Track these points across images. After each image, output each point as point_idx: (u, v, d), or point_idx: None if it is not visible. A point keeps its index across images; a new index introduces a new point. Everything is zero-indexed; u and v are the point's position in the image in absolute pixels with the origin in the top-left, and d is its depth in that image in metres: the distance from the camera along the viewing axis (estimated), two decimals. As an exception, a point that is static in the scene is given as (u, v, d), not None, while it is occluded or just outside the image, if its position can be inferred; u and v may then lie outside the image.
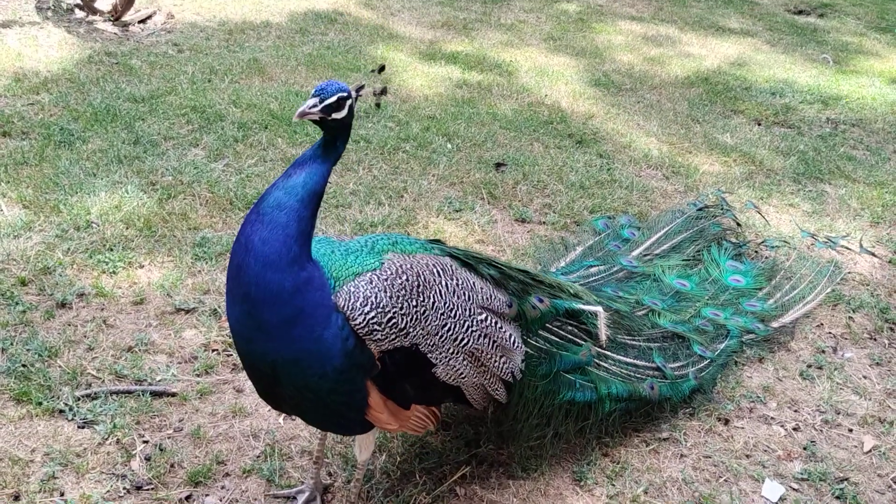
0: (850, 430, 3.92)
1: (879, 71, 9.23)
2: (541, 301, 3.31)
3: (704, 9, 11.36)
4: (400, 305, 2.74)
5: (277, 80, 7.15)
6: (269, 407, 3.56)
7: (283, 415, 3.62)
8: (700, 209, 5.01)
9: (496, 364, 3.05)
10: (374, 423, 2.87)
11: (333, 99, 2.60)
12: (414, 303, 2.78)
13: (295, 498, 3.23)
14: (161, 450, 3.39)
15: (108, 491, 3.19)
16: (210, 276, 4.43)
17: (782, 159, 6.68)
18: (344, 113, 2.63)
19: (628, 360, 3.66)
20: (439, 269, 2.92)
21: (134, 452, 3.38)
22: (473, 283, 3.01)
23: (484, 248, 5.03)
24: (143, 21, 8.25)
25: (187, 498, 3.20)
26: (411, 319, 2.76)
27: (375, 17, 9.36)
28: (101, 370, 3.78)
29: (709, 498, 3.45)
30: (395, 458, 3.49)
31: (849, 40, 10.46)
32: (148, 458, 3.35)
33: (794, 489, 3.55)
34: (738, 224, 5.21)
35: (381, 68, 2.94)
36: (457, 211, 5.38)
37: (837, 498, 3.52)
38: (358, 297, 2.67)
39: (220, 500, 3.21)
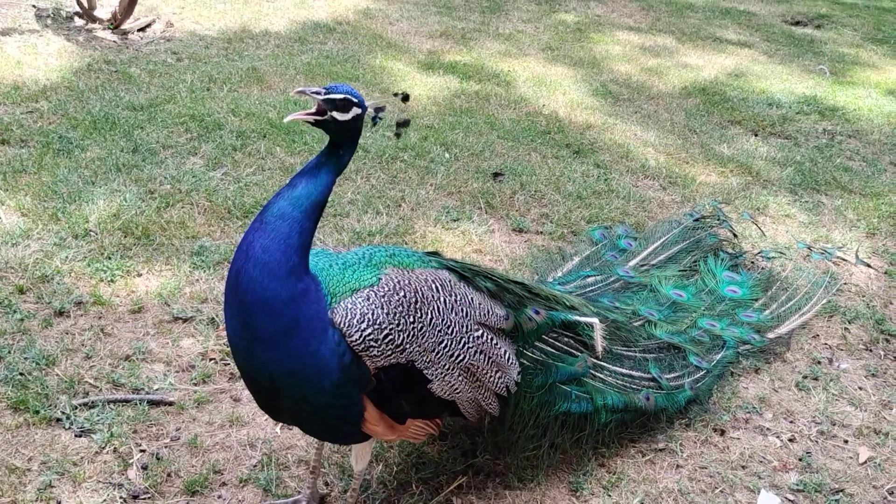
0: (846, 442, 3.93)
1: (876, 82, 9.27)
2: (537, 313, 3.32)
3: (702, 19, 11.41)
4: (397, 322, 2.75)
5: (276, 89, 7.18)
6: (267, 416, 3.60)
7: (280, 424, 3.63)
8: (697, 219, 5.03)
9: (491, 379, 3.06)
10: (371, 434, 2.88)
11: (339, 96, 2.60)
12: (411, 319, 2.78)
13: (291, 508, 3.24)
14: (158, 459, 3.40)
15: (105, 500, 3.19)
16: (208, 285, 4.44)
17: (779, 170, 6.71)
18: (347, 117, 2.62)
19: (624, 370, 3.67)
20: (438, 284, 2.93)
21: (131, 461, 3.38)
22: (471, 298, 3.01)
23: (481, 257, 5.04)
24: (142, 29, 8.28)
25: (184, 507, 3.21)
26: (408, 336, 2.77)
27: (374, 27, 9.40)
28: (99, 379, 3.78)
29: (704, 509, 3.46)
30: (391, 468, 3.49)
31: (845, 51, 10.52)
32: (145, 467, 3.35)
33: (789, 500, 3.55)
34: (735, 235, 5.22)
35: (406, 97, 2.92)
36: (454, 220, 5.39)
37: (833, 509, 3.53)
38: (355, 314, 2.68)
39: (217, 510, 3.22)
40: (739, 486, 3.60)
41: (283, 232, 2.55)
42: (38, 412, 3.54)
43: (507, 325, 3.16)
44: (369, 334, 2.69)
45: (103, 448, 3.43)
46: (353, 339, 2.67)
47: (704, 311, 4.32)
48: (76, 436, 3.47)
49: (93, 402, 3.63)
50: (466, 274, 3.13)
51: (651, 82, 8.63)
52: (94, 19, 8.14)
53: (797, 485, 3.63)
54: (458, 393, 2.97)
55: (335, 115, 2.61)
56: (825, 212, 6.10)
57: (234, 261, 2.63)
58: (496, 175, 6.07)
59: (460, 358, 2.92)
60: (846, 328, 4.75)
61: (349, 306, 2.69)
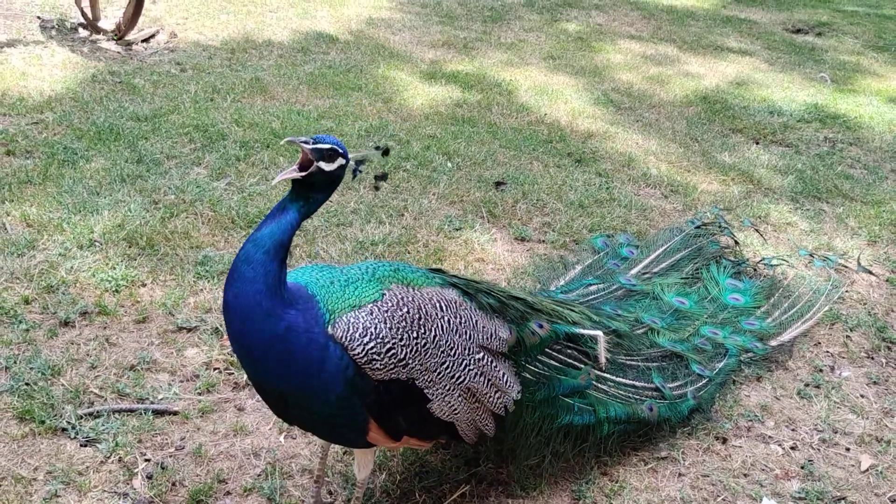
0: (848, 449, 3.94)
1: (877, 90, 9.30)
2: (541, 327, 3.33)
3: (703, 28, 11.45)
4: (399, 337, 2.78)
5: (279, 100, 7.22)
6: (271, 426, 3.63)
7: (284, 434, 3.66)
8: (698, 227, 5.05)
9: (490, 399, 3.07)
10: (374, 443, 2.91)
11: (327, 146, 2.67)
12: (414, 335, 2.81)
13: (295, 516, 3.25)
14: (163, 468, 3.42)
15: (110, 509, 3.22)
16: (212, 295, 4.47)
17: (780, 178, 6.73)
18: (333, 167, 2.70)
19: (627, 381, 3.68)
20: (443, 304, 2.95)
21: (136, 471, 3.40)
22: (475, 321, 3.03)
23: (484, 266, 5.07)
24: (146, 40, 8.33)
25: (188, 516, 3.23)
26: (411, 351, 2.80)
27: (376, 37, 9.45)
28: (104, 388, 3.81)
29: (707, 517, 3.47)
30: (394, 477, 3.51)
31: (847, 59, 10.55)
32: (150, 477, 3.37)
33: (791, 508, 3.57)
34: (737, 242, 5.24)
35: (386, 151, 2.99)
36: (457, 230, 5.42)
37: (835, 517, 3.54)
38: (357, 328, 2.72)
39: (221, 519, 3.24)
40: (741, 494, 3.61)
41: (249, 277, 2.61)
42: (43, 422, 3.56)
43: (511, 339, 3.17)
44: (372, 348, 2.73)
45: (108, 457, 3.45)
46: (356, 352, 2.71)
47: (707, 318, 4.33)
48: (81, 445, 3.49)
49: (98, 412, 3.65)
50: (469, 290, 3.15)
51: (652, 91, 8.66)
52: (98, 30, 8.19)
53: (799, 493, 3.64)
54: (456, 414, 2.99)
55: (321, 164, 2.67)
56: (826, 220, 6.12)
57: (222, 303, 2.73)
58: (498, 184, 6.10)
59: (461, 379, 2.95)
60: (848, 336, 4.76)
61: (351, 321, 2.73)
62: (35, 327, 4.12)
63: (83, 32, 8.24)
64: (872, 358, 4.62)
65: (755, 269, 5.09)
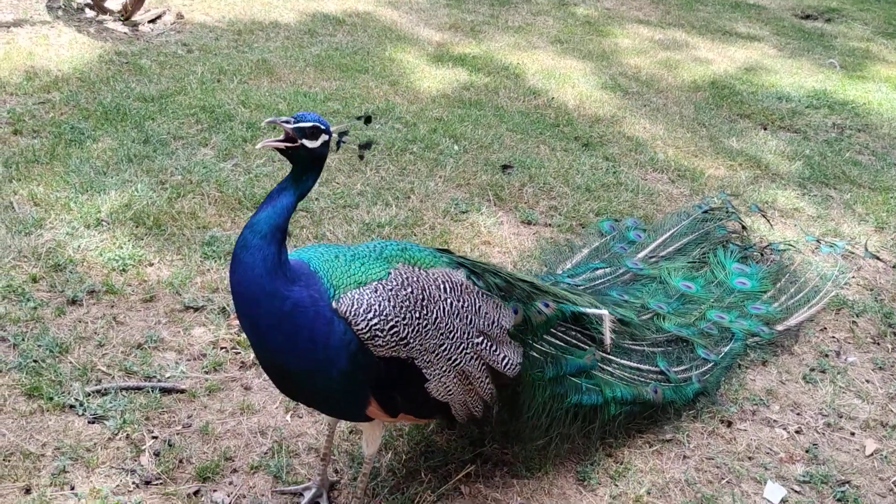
0: (853, 434, 3.94)
1: (886, 76, 9.25)
2: (547, 306, 3.34)
3: (712, 13, 11.38)
4: (402, 316, 2.80)
5: (286, 81, 7.20)
6: (278, 405, 3.65)
7: (290, 413, 3.67)
8: (706, 211, 5.04)
9: (482, 385, 3.09)
10: (374, 417, 2.94)
11: (308, 124, 2.68)
12: (417, 315, 2.84)
13: (302, 494, 3.27)
14: (170, 445, 3.44)
15: (118, 485, 3.23)
16: (219, 275, 4.48)
17: (788, 164, 6.71)
18: (316, 144, 2.70)
19: (632, 364, 3.70)
20: (448, 286, 2.96)
21: (143, 448, 3.42)
22: (479, 307, 3.04)
23: (490, 249, 5.06)
24: (152, 21, 8.31)
25: (195, 493, 3.25)
26: (413, 331, 2.82)
27: (383, 19, 9.41)
28: (111, 366, 3.82)
29: (711, 499, 3.48)
30: (400, 457, 3.53)
31: (856, 45, 10.48)
32: (157, 454, 3.39)
33: (795, 491, 3.58)
34: (744, 227, 5.23)
35: (368, 119, 2.99)
36: (463, 212, 5.41)
37: (839, 501, 3.54)
38: (362, 304, 2.75)
39: (228, 496, 3.25)
40: (746, 477, 3.62)
41: (248, 262, 2.64)
42: (51, 399, 3.58)
43: (517, 318, 3.19)
44: (375, 324, 2.75)
45: (116, 434, 3.47)
46: (360, 328, 2.73)
47: (713, 303, 4.33)
48: (89, 422, 3.51)
49: (105, 390, 3.67)
50: (477, 270, 3.16)
51: (660, 75, 8.62)
52: (104, 10, 8.17)
53: (803, 476, 3.65)
54: (450, 395, 3.01)
55: (305, 142, 2.69)
56: (834, 206, 6.10)
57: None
58: (505, 167, 6.08)
59: (457, 362, 2.97)
60: (854, 321, 4.76)
61: (356, 297, 2.75)
62: (43, 305, 4.14)
63: (90, 13, 8.21)
64: (878, 343, 4.62)
65: (762, 254, 5.08)
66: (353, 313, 2.73)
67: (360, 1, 9.95)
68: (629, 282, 4.38)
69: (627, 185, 6.00)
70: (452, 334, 2.94)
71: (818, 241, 5.38)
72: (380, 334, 2.75)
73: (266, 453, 3.47)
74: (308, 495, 3.25)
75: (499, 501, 3.38)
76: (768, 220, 5.62)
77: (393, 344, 2.79)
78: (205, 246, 4.70)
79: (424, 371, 2.89)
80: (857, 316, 4.80)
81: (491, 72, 8.10)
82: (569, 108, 7.38)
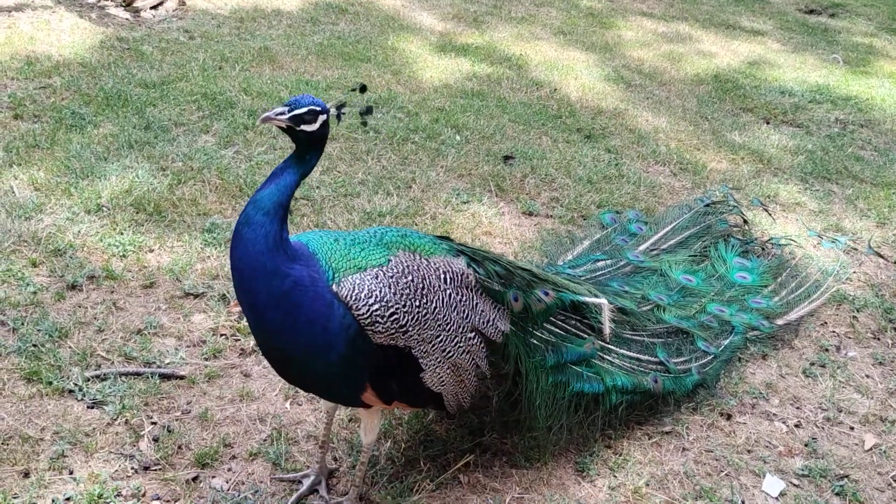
0: (852, 428, 3.94)
1: (889, 72, 9.22)
2: (546, 294, 3.34)
3: (715, 6, 11.34)
4: (403, 303, 2.80)
5: (288, 69, 7.18)
6: (277, 392, 3.65)
7: (290, 400, 3.67)
8: (707, 205, 5.04)
9: (471, 380, 3.09)
10: (369, 403, 2.94)
11: (304, 110, 2.67)
12: (416, 304, 2.84)
13: (300, 482, 3.27)
14: (169, 431, 3.43)
15: (117, 470, 3.23)
16: (219, 262, 4.47)
17: (790, 158, 6.69)
18: (315, 127, 2.69)
19: (632, 354, 3.69)
20: (448, 276, 2.96)
21: (142, 433, 3.41)
22: (476, 303, 3.04)
23: (491, 240, 5.05)
24: (154, 7, 8.27)
25: (194, 479, 3.24)
26: (412, 319, 2.82)
27: (386, 8, 9.37)
28: (111, 352, 3.82)
29: (709, 491, 3.48)
30: (399, 445, 3.52)
31: (860, 41, 10.45)
32: (156, 439, 3.39)
33: (794, 485, 3.58)
34: (745, 221, 5.22)
35: (363, 88, 2.99)
36: (464, 203, 5.40)
37: (837, 495, 3.54)
38: (363, 289, 2.74)
39: (227, 482, 3.25)
40: (745, 470, 3.62)
41: (250, 238, 2.64)
42: (51, 383, 3.58)
43: (517, 305, 3.19)
44: (376, 310, 2.74)
45: (115, 420, 3.46)
46: (361, 312, 2.73)
47: (714, 296, 4.33)
48: (88, 407, 3.51)
49: (105, 375, 3.66)
50: (477, 258, 3.15)
51: (663, 68, 8.60)
52: (106, -4, 8.14)
53: (802, 470, 3.65)
54: (443, 386, 3.02)
55: (304, 127, 2.68)
56: (836, 201, 6.09)
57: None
58: (507, 158, 6.07)
59: (451, 355, 2.97)
60: (854, 316, 4.75)
61: (357, 282, 2.75)
62: (43, 290, 4.13)
63: (91, -2, 8.18)
64: (879, 339, 4.61)
65: (763, 248, 5.07)
66: (353, 297, 2.72)
67: (363, -10, 9.91)
68: (630, 274, 4.38)
69: (629, 177, 5.99)
70: (449, 326, 2.94)
71: (820, 235, 5.37)
72: (380, 320, 2.75)
73: (265, 440, 3.46)
74: (307, 483, 3.25)
75: (498, 491, 3.38)
76: (770, 215, 5.61)
77: (392, 331, 2.78)
78: (205, 233, 4.69)
79: (421, 361, 2.90)
80: (858, 311, 4.80)
81: (494, 62, 8.07)
82: (571, 100, 7.36)
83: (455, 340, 2.97)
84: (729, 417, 3.91)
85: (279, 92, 6.55)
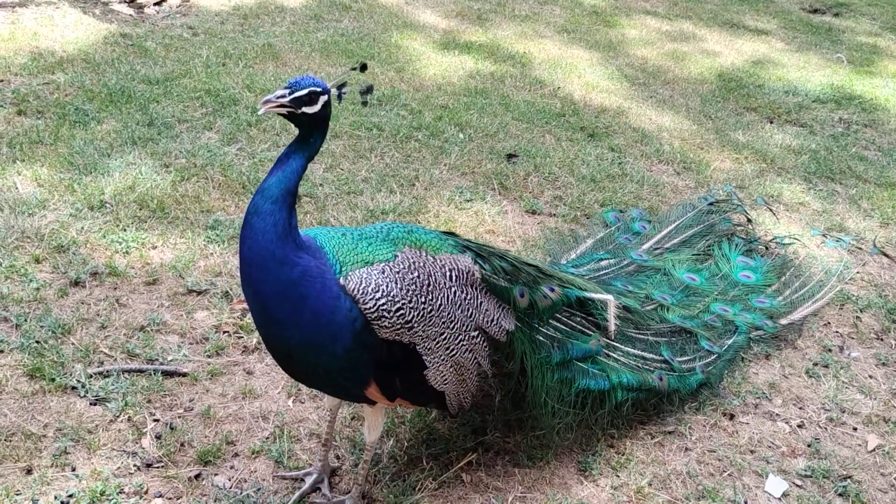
0: (855, 429, 3.94)
1: (894, 72, 9.20)
2: (552, 290, 3.34)
3: (719, 5, 11.31)
4: (409, 299, 2.80)
5: (291, 66, 7.17)
6: (280, 390, 3.65)
7: (293, 398, 3.67)
8: (711, 204, 5.03)
9: (472, 379, 3.09)
10: (373, 399, 2.94)
11: (304, 92, 2.65)
12: (422, 300, 2.84)
13: (303, 480, 3.27)
14: (171, 428, 3.43)
15: (119, 467, 3.23)
16: (222, 259, 4.46)
17: (794, 158, 6.68)
18: (317, 108, 2.68)
19: (636, 351, 3.69)
20: (454, 274, 2.96)
21: (145, 430, 3.41)
22: (480, 302, 3.04)
23: (494, 238, 5.05)
24: (158, 3, 8.27)
25: (196, 476, 3.24)
26: (418, 315, 2.82)
27: (390, 5, 9.36)
28: (114, 348, 3.82)
29: (712, 492, 3.47)
30: (402, 444, 3.52)
31: (864, 40, 10.43)
32: (158, 437, 3.39)
33: (797, 485, 3.57)
34: (749, 220, 5.21)
35: (363, 67, 2.97)
36: (468, 201, 5.39)
37: (840, 495, 3.54)
38: (370, 283, 2.74)
39: (229, 480, 3.25)
40: (747, 471, 3.62)
41: (259, 227, 2.63)
42: (53, 380, 3.58)
43: (523, 302, 3.19)
44: (383, 304, 2.74)
45: (118, 417, 3.46)
46: (367, 306, 2.72)
47: (717, 295, 4.32)
48: (91, 404, 3.51)
49: (108, 372, 3.66)
50: (483, 254, 3.15)
51: (667, 67, 8.58)
52: (110, -8, 8.13)
53: (805, 470, 3.64)
54: (446, 385, 3.02)
55: (305, 109, 2.67)
56: (839, 201, 6.08)
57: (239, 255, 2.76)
58: (510, 156, 6.06)
59: (454, 353, 2.97)
60: (858, 317, 4.74)
61: (364, 276, 2.75)
62: (45, 286, 4.13)
63: (95, -6, 8.18)
64: (882, 339, 4.60)
65: (767, 248, 5.06)
66: (361, 291, 2.72)
67: (367, -13, 9.89)
68: (633, 273, 4.37)
69: (633, 176, 5.98)
70: (453, 324, 2.93)
71: (824, 235, 5.36)
72: (386, 315, 2.75)
73: (268, 438, 3.46)
74: (309, 481, 3.25)
75: (500, 490, 3.38)
76: (774, 214, 5.60)
77: (398, 326, 2.78)
78: (208, 230, 4.68)
79: (425, 358, 2.89)
80: (861, 311, 4.79)
81: (497, 60, 8.06)
82: (575, 98, 7.35)
83: (459, 338, 2.96)
84: (732, 417, 3.91)
85: (282, 89, 6.54)
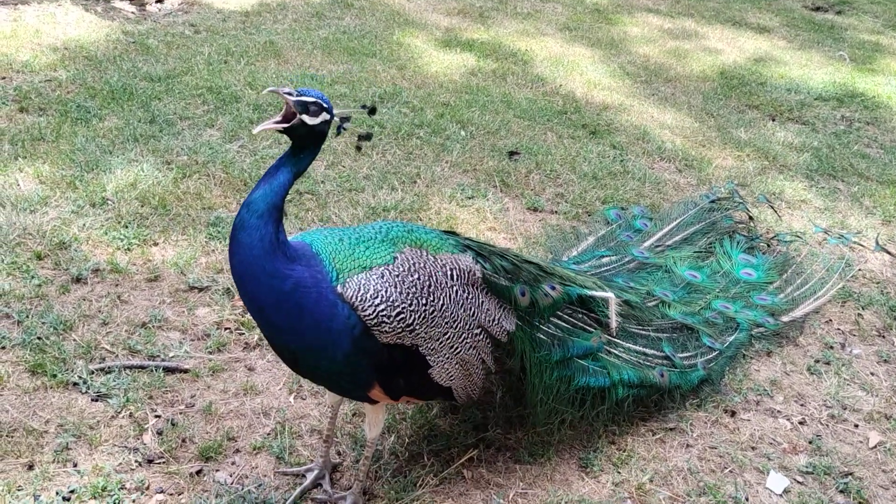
0: (856, 426, 3.93)
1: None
2: (553, 289, 3.34)
3: (722, 3, 11.30)
4: (409, 302, 2.79)
5: (293, 64, 7.17)
6: (281, 386, 3.65)
7: (294, 394, 3.67)
8: (713, 201, 5.02)
9: (478, 373, 3.10)
10: (376, 399, 2.95)
11: (311, 99, 2.65)
12: (423, 302, 2.83)
13: (304, 476, 3.27)
14: (173, 425, 3.43)
15: (121, 463, 3.23)
16: (223, 256, 4.46)
17: (796, 155, 6.67)
18: (316, 121, 2.67)
19: (637, 347, 3.69)
20: (455, 273, 2.95)
21: (146, 426, 3.42)
22: (482, 301, 3.04)
23: (496, 235, 5.05)
24: (160, 1, 8.27)
25: (198, 472, 3.24)
26: (419, 317, 2.82)
27: (392, 3, 9.36)
28: (115, 345, 3.82)
29: (713, 488, 3.47)
30: (403, 440, 3.52)
31: (866, 38, 10.41)
32: (160, 433, 3.39)
33: (798, 482, 3.57)
34: (751, 217, 5.21)
35: (373, 110, 2.97)
36: (469, 198, 5.39)
37: (841, 492, 3.54)
38: (368, 290, 2.73)
39: (231, 476, 3.25)
40: (749, 467, 3.61)
41: (246, 242, 2.62)
42: (55, 376, 3.58)
43: (524, 300, 3.19)
44: (382, 310, 2.73)
45: (119, 413, 3.47)
46: (367, 313, 2.72)
47: (719, 292, 4.32)
48: (92, 400, 3.51)
49: (109, 368, 3.67)
50: (483, 252, 3.15)
51: (669, 65, 8.57)
52: (112, -10, 8.13)
53: (806, 467, 3.64)
54: (452, 381, 3.02)
55: (305, 118, 2.66)
56: (841, 198, 6.07)
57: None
58: (512, 154, 6.06)
59: (458, 351, 2.97)
60: (859, 314, 4.74)
61: (362, 282, 2.73)
62: (47, 283, 4.13)
63: (97, -9, 8.18)
64: (884, 336, 4.60)
65: (769, 245, 5.06)
66: (359, 298, 2.71)
67: (369, -15, 9.89)
68: (635, 270, 4.37)
69: (634, 173, 5.97)
70: (456, 323, 2.93)
71: (826, 232, 5.35)
72: (386, 320, 2.74)
73: (269, 434, 3.47)
74: (310, 477, 3.25)
75: (501, 486, 3.38)
76: (776, 211, 5.60)
77: (399, 330, 2.78)
78: (210, 227, 4.69)
79: (428, 358, 2.89)
80: (863, 308, 4.79)
81: (499, 58, 8.06)
82: (576, 96, 7.34)
83: (463, 336, 2.96)
84: (733, 414, 3.91)
85: (284, 86, 6.54)
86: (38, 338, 3.76)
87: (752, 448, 3.72)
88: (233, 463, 3.32)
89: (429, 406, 3.67)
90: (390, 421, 3.59)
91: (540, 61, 8.12)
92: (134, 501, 3.09)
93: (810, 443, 3.79)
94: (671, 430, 3.76)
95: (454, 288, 2.93)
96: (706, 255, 4.66)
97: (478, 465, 3.46)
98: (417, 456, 3.45)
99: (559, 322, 3.39)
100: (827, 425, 3.92)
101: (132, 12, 7.93)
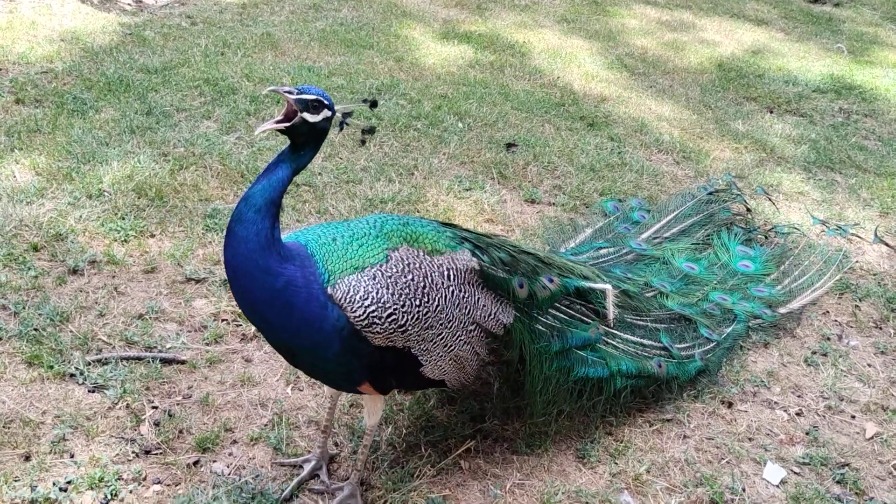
0: (853, 417, 3.94)
1: (894, 62, 9.18)
2: (551, 281, 3.33)
3: (720, -5, 11.29)
4: (402, 303, 2.77)
5: (290, 56, 7.15)
6: (279, 378, 3.65)
7: (291, 385, 3.67)
8: (710, 193, 5.02)
9: (472, 365, 3.10)
10: (367, 393, 2.96)
11: (311, 97, 2.64)
12: (417, 303, 2.81)
13: (301, 466, 3.27)
14: (170, 416, 3.43)
15: (118, 454, 3.23)
16: (220, 247, 4.43)
17: (794, 147, 6.67)
18: (317, 119, 2.66)
19: (635, 338, 3.69)
20: (452, 273, 2.94)
21: (143, 417, 3.41)
22: (478, 299, 3.03)
23: (493, 227, 5.04)
24: (156, -8, 8.24)
25: (195, 463, 3.24)
26: (412, 319, 2.80)
27: (389, -5, 9.34)
28: (112, 336, 3.81)
29: (710, 479, 3.47)
30: (400, 431, 3.52)
31: (864, 30, 10.40)
32: (157, 424, 3.39)
33: (795, 473, 3.57)
34: (749, 209, 5.21)
35: (374, 104, 2.96)
36: (467, 190, 5.39)
37: (838, 483, 3.54)
38: (358, 291, 2.71)
39: (228, 467, 3.25)
40: (746, 458, 3.62)
41: (242, 236, 2.61)
42: (52, 367, 3.57)
43: (522, 293, 3.18)
44: (373, 311, 2.72)
45: (116, 404, 3.46)
46: (357, 315, 2.70)
47: (716, 284, 4.32)
48: (89, 391, 3.51)
49: (106, 359, 3.66)
50: (481, 244, 3.14)
51: (667, 57, 8.56)
52: (108, -19, 8.10)
53: (803, 458, 3.64)
54: (445, 375, 3.03)
55: (306, 115, 2.65)
56: (839, 190, 6.07)
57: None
58: (509, 146, 6.05)
59: (452, 348, 2.97)
60: (857, 305, 4.74)
61: (353, 283, 2.71)
62: (44, 274, 4.12)
63: (93, -17, 8.15)
64: (881, 328, 4.60)
65: (766, 237, 5.06)
66: (348, 300, 2.69)
67: (366, -24, 9.86)
68: (632, 262, 4.37)
69: (632, 165, 5.97)
70: (451, 323, 2.92)
71: (824, 223, 5.35)
72: (377, 322, 2.73)
73: (266, 425, 3.46)
74: (308, 467, 3.25)
75: (498, 477, 3.38)
76: (773, 203, 5.60)
77: (391, 331, 2.77)
78: (207, 218, 4.68)
79: (420, 358, 2.89)
80: (860, 300, 4.79)
81: (497, 50, 8.04)
82: (574, 88, 7.33)
83: (457, 335, 2.96)
84: (730, 405, 3.91)
85: (281, 78, 6.54)
86: (35, 329, 3.76)
87: (749, 439, 3.73)
88: (230, 454, 3.32)
89: (426, 397, 3.67)
90: (388, 412, 3.59)
91: (537, 53, 8.10)
92: (131, 492, 3.09)
93: (807, 434, 3.79)
94: (668, 421, 3.77)
95: (450, 288, 2.91)
96: (704, 246, 4.65)
97: (475, 455, 3.46)
98: (415, 447, 3.45)
99: (557, 313, 3.38)
100: (824, 416, 3.92)
101: (129, 4, 7.90)
